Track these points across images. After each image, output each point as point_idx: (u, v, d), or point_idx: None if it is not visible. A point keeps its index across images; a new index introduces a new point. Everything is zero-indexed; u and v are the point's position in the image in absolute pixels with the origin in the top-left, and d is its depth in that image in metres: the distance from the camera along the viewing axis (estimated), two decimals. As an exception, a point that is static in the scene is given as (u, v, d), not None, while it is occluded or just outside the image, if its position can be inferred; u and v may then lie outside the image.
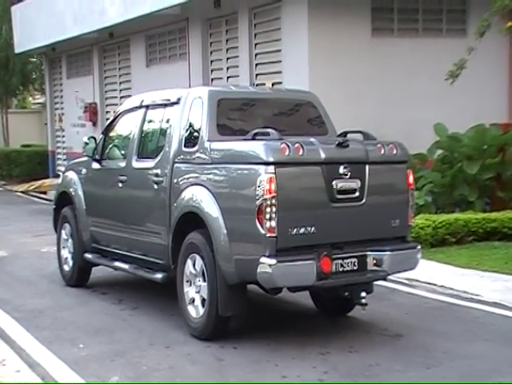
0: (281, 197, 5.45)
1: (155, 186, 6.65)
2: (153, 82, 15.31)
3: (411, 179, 6.23)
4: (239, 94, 6.97)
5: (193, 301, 6.17)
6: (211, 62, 14.46)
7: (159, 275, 6.63)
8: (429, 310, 7.05)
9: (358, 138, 6.42)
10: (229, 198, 5.78)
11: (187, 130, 6.45)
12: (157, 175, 6.64)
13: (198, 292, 6.10)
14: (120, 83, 18.34)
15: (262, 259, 5.42)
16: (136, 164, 7.07)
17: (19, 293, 7.98)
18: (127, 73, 17.80)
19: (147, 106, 7.19)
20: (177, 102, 6.67)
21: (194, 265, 6.13)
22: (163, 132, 6.79)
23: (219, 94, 6.57)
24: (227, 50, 13.90)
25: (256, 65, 13.12)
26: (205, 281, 5.99)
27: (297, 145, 5.60)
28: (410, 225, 6.22)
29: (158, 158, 6.70)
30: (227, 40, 13.89)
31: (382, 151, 6.06)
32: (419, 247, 6.27)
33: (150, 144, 7.10)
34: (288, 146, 5.56)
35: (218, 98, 6.44)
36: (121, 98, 17.75)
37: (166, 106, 6.86)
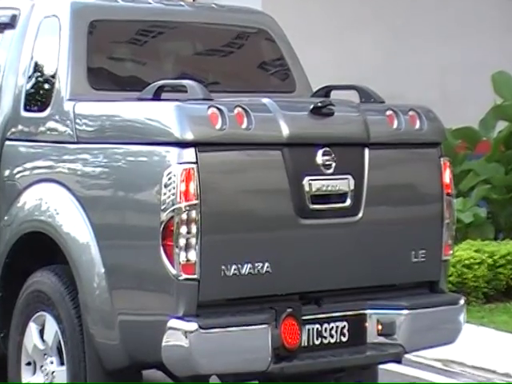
0: (207, 206, 5.48)
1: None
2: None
3: (448, 176, 6.32)
4: (130, 13, 6.95)
5: (39, 401, 6.17)
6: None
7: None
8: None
9: (351, 98, 6.47)
10: (109, 207, 5.82)
11: (30, 78, 6.48)
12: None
13: (50, 384, 6.12)
14: None
15: (172, 322, 5.43)
16: None
17: None
18: None
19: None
20: (11, 24, 6.69)
21: (41, 333, 6.13)
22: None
23: (92, 12, 6.59)
24: None
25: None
26: (62, 363, 5.99)
27: (237, 110, 5.65)
28: (445, 260, 6.32)
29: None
30: None
31: (396, 123, 6.14)
32: (463, 302, 6.37)
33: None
34: (221, 111, 5.58)
35: (91, 19, 6.46)
36: None
37: (-11, 30, 6.90)
